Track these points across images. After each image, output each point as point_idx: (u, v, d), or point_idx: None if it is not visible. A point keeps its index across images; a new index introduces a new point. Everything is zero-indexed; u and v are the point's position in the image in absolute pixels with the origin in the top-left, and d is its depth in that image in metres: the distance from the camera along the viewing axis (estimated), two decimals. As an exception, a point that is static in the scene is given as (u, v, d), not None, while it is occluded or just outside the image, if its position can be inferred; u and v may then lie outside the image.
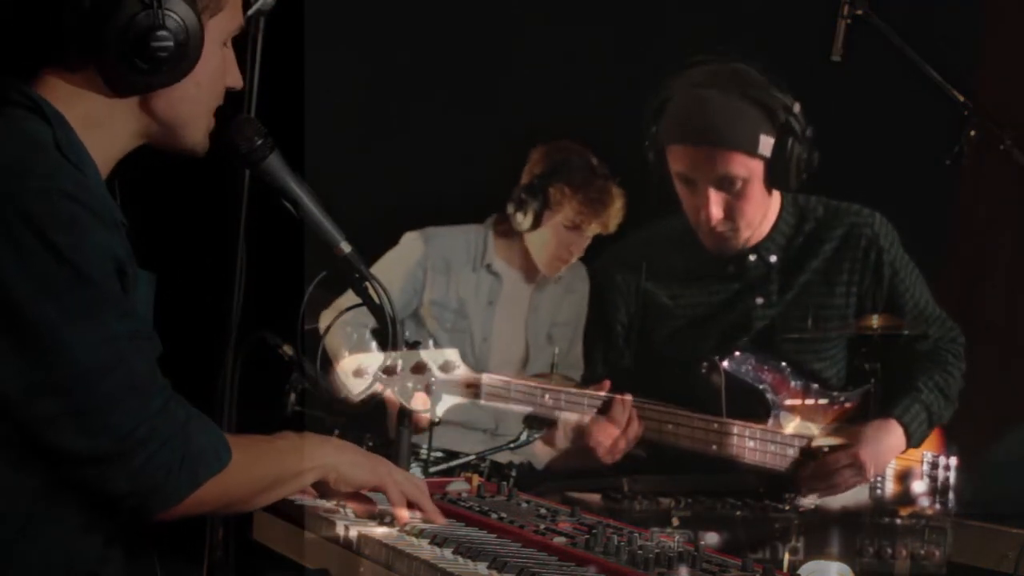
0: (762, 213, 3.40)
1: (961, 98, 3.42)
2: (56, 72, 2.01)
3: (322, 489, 2.19)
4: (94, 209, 1.90)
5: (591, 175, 4.05)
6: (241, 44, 2.61)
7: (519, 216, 4.02)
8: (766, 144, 3.29)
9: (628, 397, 3.18)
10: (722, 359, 3.31)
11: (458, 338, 4.03)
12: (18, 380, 1.85)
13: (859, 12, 3.41)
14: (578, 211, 3.98)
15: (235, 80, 2.17)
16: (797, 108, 3.31)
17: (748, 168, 3.30)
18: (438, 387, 2.70)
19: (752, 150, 3.29)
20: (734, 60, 3.41)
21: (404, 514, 2.15)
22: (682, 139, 3.35)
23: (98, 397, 1.87)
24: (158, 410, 1.91)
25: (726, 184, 3.30)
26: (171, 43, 1.98)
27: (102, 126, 2.03)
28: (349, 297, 2.50)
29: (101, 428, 1.87)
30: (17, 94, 1.99)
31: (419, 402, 2.63)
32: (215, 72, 2.10)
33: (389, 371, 2.53)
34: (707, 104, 3.31)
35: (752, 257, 3.44)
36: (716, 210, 3.33)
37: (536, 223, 4.01)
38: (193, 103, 2.09)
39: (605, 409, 3.17)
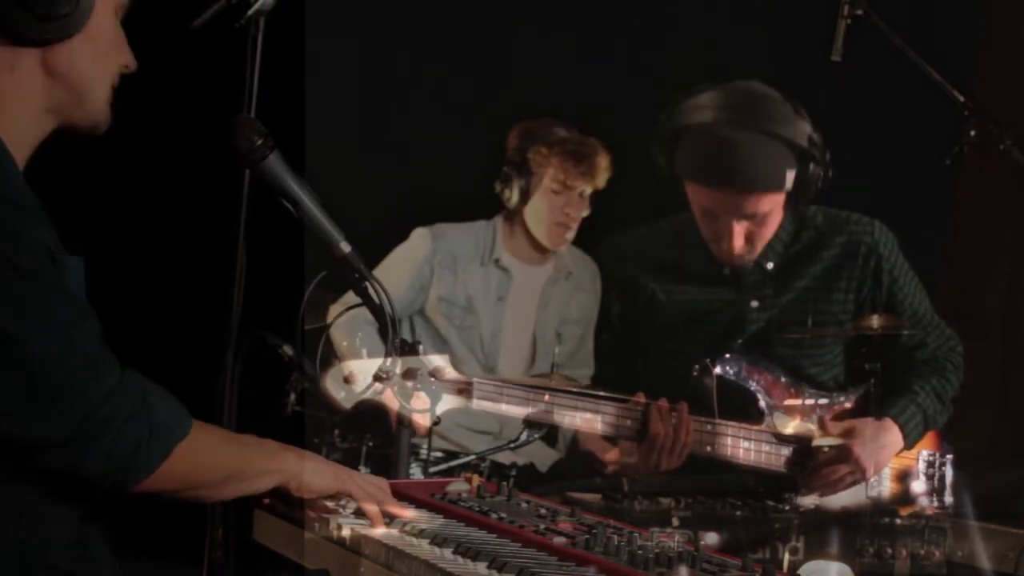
0: (777, 229, 3.41)
1: (961, 98, 3.42)
2: None
3: (283, 496, 2.19)
4: (18, 202, 1.92)
5: (566, 134, 4.04)
6: (241, 44, 2.62)
7: (507, 192, 4.01)
8: (791, 178, 3.28)
9: (663, 403, 3.17)
10: (713, 363, 3.31)
11: (467, 334, 4.03)
12: None
13: (859, 12, 3.41)
14: (560, 167, 3.95)
15: (129, 59, 2.16)
16: (818, 136, 3.30)
17: (773, 202, 3.32)
18: (437, 387, 2.70)
19: (780, 188, 3.29)
20: (744, 78, 3.38)
21: (374, 509, 2.16)
22: (707, 182, 3.32)
23: (55, 383, 1.89)
24: (114, 387, 1.93)
25: (751, 218, 3.31)
26: None
27: (10, 101, 2.03)
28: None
29: (63, 413, 1.89)
30: None
31: (419, 402, 2.63)
32: (109, 35, 2.11)
33: (380, 378, 2.52)
34: (733, 147, 3.26)
35: (749, 264, 3.44)
36: (739, 240, 3.33)
37: (524, 196, 4.00)
38: (91, 60, 2.08)
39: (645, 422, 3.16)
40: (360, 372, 2.54)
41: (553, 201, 3.97)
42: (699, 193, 3.35)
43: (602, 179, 3.96)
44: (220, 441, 2.10)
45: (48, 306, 1.91)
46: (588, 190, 3.95)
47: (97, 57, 2.10)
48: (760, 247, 3.40)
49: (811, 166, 3.29)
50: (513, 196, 3.98)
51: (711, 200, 3.33)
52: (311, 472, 2.17)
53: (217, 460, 2.07)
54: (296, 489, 2.17)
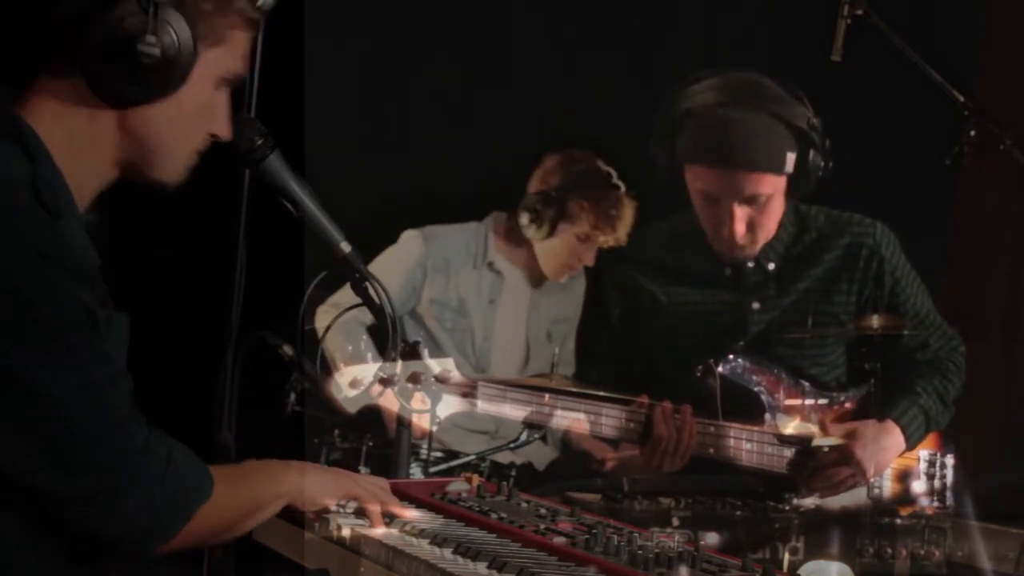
0: (779, 221, 3.40)
1: (961, 98, 3.41)
2: (44, 82, 1.98)
3: (290, 512, 2.19)
4: (65, 263, 1.89)
5: (607, 188, 4.06)
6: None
7: (533, 227, 4.03)
8: (791, 161, 3.28)
9: (668, 405, 3.17)
10: (717, 362, 3.31)
11: (458, 337, 4.03)
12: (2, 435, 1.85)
13: (859, 12, 3.41)
14: (594, 224, 4.01)
15: (222, 129, 2.10)
16: (818, 122, 3.30)
17: (774, 185, 3.30)
18: (438, 388, 2.69)
19: (780, 170, 3.28)
20: (741, 70, 3.38)
21: (376, 510, 2.17)
22: (708, 161, 3.31)
23: (81, 439, 1.88)
24: (141, 448, 1.92)
25: (751, 201, 3.30)
26: (158, 50, 1.94)
27: (84, 150, 2.00)
28: (345, 293, 2.50)
29: (87, 468, 1.88)
30: (2, 119, 1.95)
31: (419, 402, 2.63)
32: (201, 105, 2.05)
33: (385, 383, 2.52)
34: (733, 125, 3.26)
35: (750, 264, 3.43)
36: (741, 226, 3.32)
37: (550, 234, 4.03)
38: (172, 127, 2.03)
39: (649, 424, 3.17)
40: (364, 375, 2.54)
41: (573, 247, 4.03)
42: (700, 176, 3.34)
43: (623, 234, 4.03)
44: (233, 486, 2.06)
45: (79, 364, 1.89)
46: (609, 244, 4.02)
47: (179, 123, 2.04)
48: (762, 239, 3.38)
49: (811, 152, 3.29)
50: (540, 232, 4.02)
51: (711, 181, 3.32)
52: (314, 485, 2.17)
53: (233, 506, 2.05)
54: (303, 505, 2.17)
